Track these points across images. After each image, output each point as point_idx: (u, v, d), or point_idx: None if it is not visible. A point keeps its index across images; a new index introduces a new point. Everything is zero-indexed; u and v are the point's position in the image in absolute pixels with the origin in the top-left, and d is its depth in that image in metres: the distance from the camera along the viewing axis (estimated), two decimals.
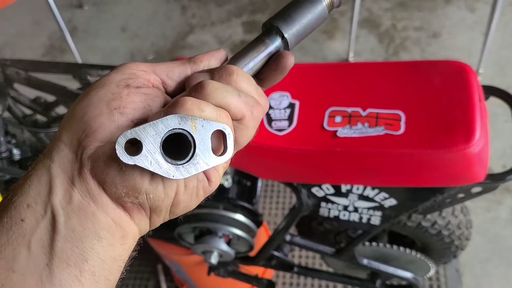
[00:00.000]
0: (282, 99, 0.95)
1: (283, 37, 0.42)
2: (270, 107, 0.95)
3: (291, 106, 0.94)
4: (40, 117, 1.28)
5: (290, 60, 0.42)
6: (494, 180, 0.93)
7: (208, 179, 0.38)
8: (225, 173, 1.29)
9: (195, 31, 3.00)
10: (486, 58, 2.28)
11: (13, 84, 1.18)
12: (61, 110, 1.26)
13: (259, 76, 0.44)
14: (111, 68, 1.15)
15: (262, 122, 0.93)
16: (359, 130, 0.88)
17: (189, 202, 0.38)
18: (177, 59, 1.07)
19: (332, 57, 2.67)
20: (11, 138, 1.19)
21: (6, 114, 1.25)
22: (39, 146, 1.30)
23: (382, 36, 2.70)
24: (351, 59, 2.60)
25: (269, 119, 0.94)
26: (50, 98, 1.21)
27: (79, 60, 2.62)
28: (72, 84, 1.18)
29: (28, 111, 1.27)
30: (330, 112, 0.92)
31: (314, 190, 1.08)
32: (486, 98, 0.98)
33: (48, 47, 3.08)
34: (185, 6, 3.16)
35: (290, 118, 0.93)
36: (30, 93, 1.22)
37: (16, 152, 1.17)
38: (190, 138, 0.34)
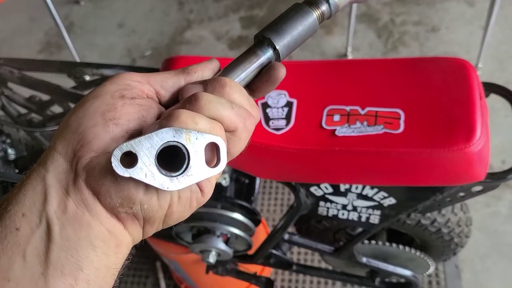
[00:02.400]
0: (279, 98, 0.94)
1: (274, 49, 0.43)
2: (268, 106, 0.94)
3: (289, 104, 0.93)
4: (35, 116, 1.27)
5: (282, 72, 0.43)
6: (495, 179, 0.92)
7: (201, 190, 0.38)
8: (223, 172, 1.28)
9: (193, 27, 2.98)
10: (485, 52, 2.26)
11: (7, 83, 1.17)
12: (56, 109, 1.24)
13: (251, 86, 0.44)
14: (106, 66, 1.14)
15: (259, 121, 0.92)
16: (358, 129, 0.87)
17: (182, 212, 0.39)
18: (168, 60, 1.05)
19: (331, 52, 2.65)
20: (5, 137, 1.18)
21: (0, 113, 1.23)
22: (34, 145, 1.28)
23: (381, 31, 2.68)
24: (350, 54, 2.58)
25: (267, 118, 0.93)
26: (45, 96, 1.20)
27: (76, 57, 2.61)
28: (67, 83, 1.16)
29: (23, 110, 1.26)
30: (329, 110, 0.91)
31: (313, 189, 1.07)
32: (487, 96, 0.97)
33: (44, 43, 3.07)
34: (182, 2, 3.13)
35: (288, 117, 0.92)
36: (25, 91, 1.21)
37: (11, 151, 1.16)
38: (184, 150, 0.35)
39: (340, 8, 0.46)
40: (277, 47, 0.43)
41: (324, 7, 0.45)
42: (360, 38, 2.66)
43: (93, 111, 0.37)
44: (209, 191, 0.39)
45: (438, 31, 2.60)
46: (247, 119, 0.39)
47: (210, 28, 2.95)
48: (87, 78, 1.17)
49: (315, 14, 0.44)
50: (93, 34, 3.08)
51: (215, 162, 0.37)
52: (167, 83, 0.41)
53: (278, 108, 0.93)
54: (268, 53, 0.43)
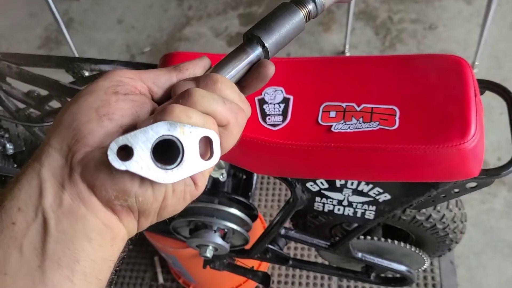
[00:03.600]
0: (276, 94, 0.95)
1: (263, 46, 0.44)
2: (265, 102, 0.95)
3: (285, 101, 0.94)
4: (33, 111, 1.27)
5: (271, 69, 0.44)
6: (489, 175, 0.93)
7: (194, 183, 0.39)
8: (220, 167, 1.29)
9: (192, 23, 2.98)
10: (482, 50, 2.27)
11: (5, 78, 1.17)
12: (54, 104, 1.25)
13: (241, 83, 0.46)
14: (104, 62, 1.15)
15: (256, 117, 0.93)
16: (353, 125, 0.88)
17: (176, 205, 0.39)
18: (166, 56, 1.05)
19: (329, 49, 2.66)
20: (4, 132, 1.19)
21: None
22: (33, 140, 1.29)
23: (379, 29, 2.69)
24: (347, 51, 2.59)
25: (263, 114, 0.93)
26: (43, 92, 1.20)
27: (75, 52, 2.61)
28: (65, 78, 1.17)
29: (21, 105, 1.26)
30: (325, 107, 0.91)
31: (309, 185, 1.08)
32: (482, 93, 0.98)
33: (44, 39, 3.06)
34: None
35: (284, 113, 0.92)
36: (23, 86, 1.21)
37: (9, 146, 1.17)
38: (178, 144, 0.35)
39: (325, 7, 0.48)
40: (266, 44, 0.44)
41: (310, 6, 0.46)
42: (358, 36, 2.67)
43: (87, 106, 0.37)
44: (202, 184, 0.40)
45: (435, 29, 2.61)
46: (239, 114, 0.40)
47: (209, 25, 2.95)
48: (86, 73, 1.17)
49: (302, 13, 0.46)
50: (92, 30, 3.08)
51: (208, 156, 0.37)
52: (159, 80, 0.42)
53: (274, 104, 0.94)
54: (257, 51, 0.45)
